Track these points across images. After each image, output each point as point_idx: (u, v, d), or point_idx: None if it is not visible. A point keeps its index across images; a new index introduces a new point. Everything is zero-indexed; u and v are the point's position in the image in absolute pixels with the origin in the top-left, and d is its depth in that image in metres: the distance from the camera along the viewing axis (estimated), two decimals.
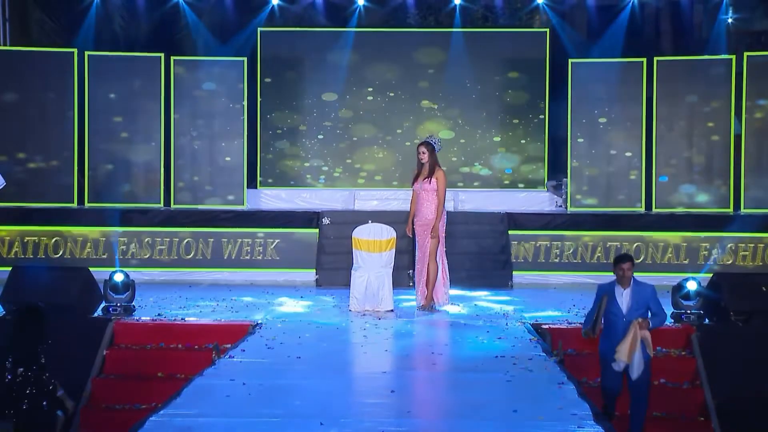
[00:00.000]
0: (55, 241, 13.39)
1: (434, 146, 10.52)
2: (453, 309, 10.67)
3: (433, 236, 10.37)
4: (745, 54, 14.48)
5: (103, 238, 13.36)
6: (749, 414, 8.26)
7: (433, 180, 10.40)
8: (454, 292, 11.22)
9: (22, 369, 6.98)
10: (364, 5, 15.60)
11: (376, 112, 15.55)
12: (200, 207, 14.38)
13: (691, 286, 9.74)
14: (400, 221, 11.43)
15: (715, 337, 9.10)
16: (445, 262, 10.60)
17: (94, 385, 8.82)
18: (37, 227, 13.45)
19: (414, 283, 11.05)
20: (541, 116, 15.34)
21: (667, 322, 9.61)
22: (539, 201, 15.24)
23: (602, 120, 14.75)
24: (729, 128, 14.39)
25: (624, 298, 7.82)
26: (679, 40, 16.38)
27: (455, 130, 15.43)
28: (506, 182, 15.43)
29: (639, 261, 13.21)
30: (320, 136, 15.55)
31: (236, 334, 9.22)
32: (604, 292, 7.92)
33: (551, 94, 15.31)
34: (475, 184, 15.40)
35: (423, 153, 10.50)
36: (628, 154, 14.65)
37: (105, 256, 13.20)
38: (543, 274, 13.29)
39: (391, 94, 15.54)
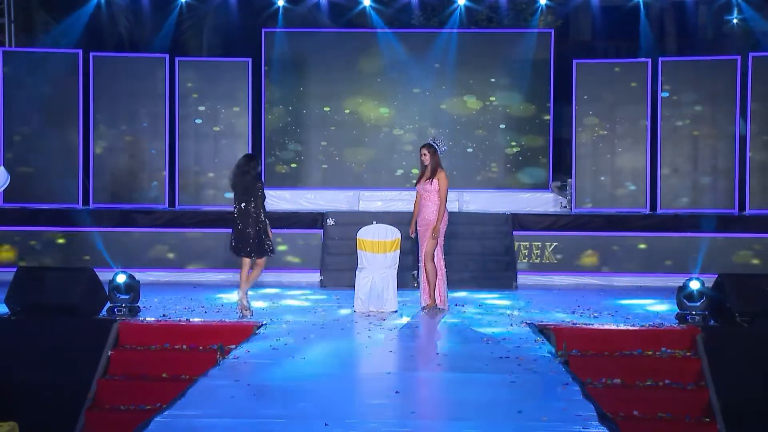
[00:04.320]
0: (60, 241, 13.40)
1: (437, 148, 10.51)
2: (457, 310, 10.66)
3: (433, 237, 10.35)
4: (750, 55, 14.48)
5: (108, 239, 13.36)
6: (754, 415, 8.23)
7: (435, 181, 10.38)
8: (458, 293, 11.20)
9: (243, 204, 9.67)
10: (369, 6, 15.62)
11: (380, 113, 15.55)
12: (204, 208, 14.39)
13: (696, 286, 9.72)
14: (405, 222, 11.43)
15: (720, 338, 9.07)
16: (443, 264, 10.56)
17: (98, 386, 8.81)
18: (43, 228, 13.47)
19: (418, 283, 11.04)
20: (546, 117, 15.33)
21: (672, 323, 9.66)
22: (544, 202, 15.24)
23: (607, 120, 14.73)
24: (733, 128, 14.38)
25: None
26: (683, 41, 16.39)
27: (458, 131, 15.43)
28: (511, 183, 15.44)
29: (643, 262, 13.23)
30: (325, 137, 15.55)
31: (241, 334, 9.22)
32: None
33: (556, 94, 15.30)
34: (478, 179, 15.41)
35: (425, 155, 10.48)
36: (633, 154, 14.63)
37: (109, 257, 13.19)
38: (547, 274, 13.28)
39: (395, 95, 15.55)
